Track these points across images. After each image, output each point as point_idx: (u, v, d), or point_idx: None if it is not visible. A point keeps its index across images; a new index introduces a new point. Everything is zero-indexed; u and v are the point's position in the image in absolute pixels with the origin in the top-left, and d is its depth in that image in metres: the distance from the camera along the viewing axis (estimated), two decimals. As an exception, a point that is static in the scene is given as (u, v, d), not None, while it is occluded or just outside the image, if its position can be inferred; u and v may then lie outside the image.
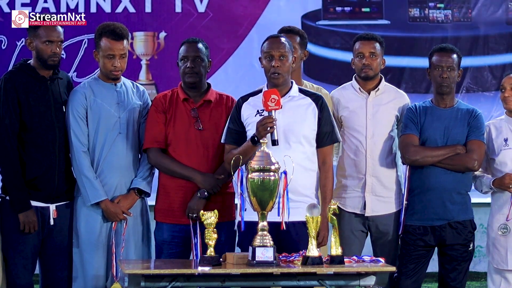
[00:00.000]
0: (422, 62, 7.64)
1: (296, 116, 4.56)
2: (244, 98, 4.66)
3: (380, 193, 5.11)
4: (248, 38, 7.49)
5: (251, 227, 4.29)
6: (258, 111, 4.52)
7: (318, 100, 4.63)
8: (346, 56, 7.67)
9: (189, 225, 4.80)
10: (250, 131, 4.53)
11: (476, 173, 5.11)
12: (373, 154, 5.10)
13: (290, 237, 4.44)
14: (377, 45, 5.12)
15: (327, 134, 4.61)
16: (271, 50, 4.54)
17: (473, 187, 5.14)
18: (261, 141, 4.32)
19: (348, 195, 5.16)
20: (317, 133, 4.60)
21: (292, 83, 4.67)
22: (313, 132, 4.59)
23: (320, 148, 4.62)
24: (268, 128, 4.39)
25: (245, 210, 4.39)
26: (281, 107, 4.45)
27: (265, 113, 4.46)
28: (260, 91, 4.61)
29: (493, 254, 5.08)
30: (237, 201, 4.45)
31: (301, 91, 4.67)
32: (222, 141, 4.68)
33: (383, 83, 5.19)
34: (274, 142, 4.41)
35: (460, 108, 5.07)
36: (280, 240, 4.38)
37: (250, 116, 4.57)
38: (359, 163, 5.12)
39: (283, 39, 4.59)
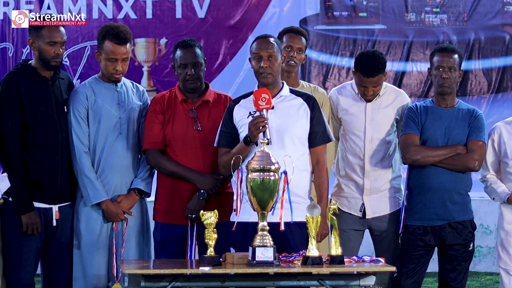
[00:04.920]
0: (418, 66, 7.72)
1: (289, 116, 4.57)
2: (236, 101, 4.67)
3: (378, 195, 5.13)
4: (247, 43, 7.55)
5: (245, 228, 4.34)
6: (250, 112, 4.53)
7: (309, 100, 4.64)
8: (344, 61, 7.75)
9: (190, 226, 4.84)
10: (243, 133, 4.52)
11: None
12: (371, 158, 5.11)
13: (284, 238, 4.44)
14: (380, 75, 5.00)
15: (320, 133, 4.62)
16: (259, 51, 4.54)
17: (472, 188, 5.16)
18: (260, 141, 4.33)
19: (347, 195, 5.18)
20: (309, 133, 4.61)
21: (283, 84, 4.67)
22: (306, 132, 4.60)
23: (313, 148, 4.63)
24: (260, 128, 4.40)
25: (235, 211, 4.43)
26: (273, 107, 4.45)
27: (257, 113, 4.46)
28: (251, 93, 4.60)
29: (502, 255, 5.09)
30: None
31: (292, 91, 4.67)
32: (215, 144, 4.67)
33: (384, 87, 5.16)
34: (267, 142, 4.43)
35: (461, 108, 5.07)
36: (273, 240, 4.39)
37: (242, 118, 4.57)
38: (357, 166, 5.14)
39: (271, 39, 4.59)
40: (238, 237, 4.43)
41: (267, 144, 4.33)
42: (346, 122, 5.18)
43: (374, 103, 5.14)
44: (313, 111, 4.61)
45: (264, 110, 4.42)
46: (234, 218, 4.46)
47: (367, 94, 5.07)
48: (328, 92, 5.54)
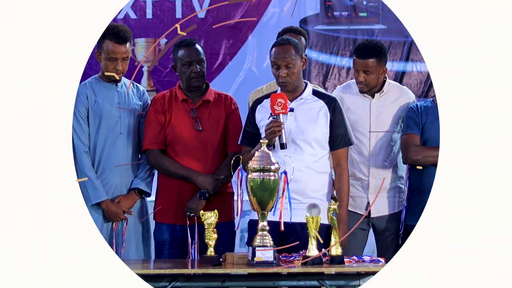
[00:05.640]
0: (418, 66, 7.70)
1: (308, 119, 4.57)
2: (259, 100, 4.68)
3: (383, 194, 5.13)
4: (247, 43, 7.56)
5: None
6: (271, 113, 4.53)
7: (331, 102, 4.63)
8: (344, 61, 7.74)
9: (190, 226, 4.84)
10: (264, 133, 4.54)
11: None
12: (376, 156, 5.11)
13: (297, 239, 4.43)
14: (373, 61, 4.98)
15: (340, 136, 4.62)
16: (277, 60, 4.53)
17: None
18: (261, 141, 4.34)
19: (352, 194, 5.15)
20: (329, 136, 4.61)
21: (306, 84, 4.67)
22: (325, 135, 4.60)
23: (333, 151, 4.63)
24: (276, 132, 4.42)
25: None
26: (292, 109, 4.47)
27: (274, 118, 4.47)
28: (274, 92, 4.62)
29: None
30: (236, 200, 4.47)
31: (314, 93, 4.66)
32: (238, 142, 4.73)
33: (387, 84, 5.15)
34: (283, 146, 4.43)
35: (461, 108, 5.10)
36: (286, 240, 4.39)
37: (263, 118, 4.58)
38: (362, 165, 5.13)
39: (289, 46, 4.54)
40: (251, 235, 4.42)
41: (282, 148, 4.36)
42: (350, 121, 5.17)
43: (379, 100, 5.13)
44: (334, 114, 4.60)
45: (280, 114, 4.42)
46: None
47: (357, 79, 5.03)
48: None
